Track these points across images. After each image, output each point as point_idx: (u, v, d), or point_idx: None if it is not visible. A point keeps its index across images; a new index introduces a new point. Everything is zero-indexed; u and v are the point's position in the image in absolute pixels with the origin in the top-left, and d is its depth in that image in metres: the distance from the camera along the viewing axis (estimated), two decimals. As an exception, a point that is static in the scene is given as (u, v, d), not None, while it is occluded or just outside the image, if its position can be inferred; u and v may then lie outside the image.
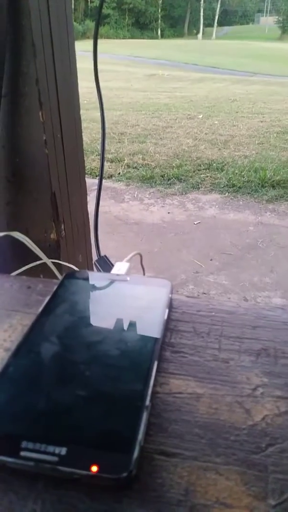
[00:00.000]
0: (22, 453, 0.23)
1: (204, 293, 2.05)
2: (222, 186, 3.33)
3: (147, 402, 0.26)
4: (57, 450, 0.23)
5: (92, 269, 0.84)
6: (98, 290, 0.38)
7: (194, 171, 3.61)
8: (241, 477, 0.23)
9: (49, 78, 0.64)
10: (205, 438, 0.25)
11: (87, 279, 0.40)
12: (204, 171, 3.62)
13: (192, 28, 52.99)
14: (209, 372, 0.30)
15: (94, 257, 0.78)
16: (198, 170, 3.63)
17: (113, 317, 0.34)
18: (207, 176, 3.51)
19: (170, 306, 0.37)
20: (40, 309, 0.34)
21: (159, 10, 49.58)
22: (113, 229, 2.60)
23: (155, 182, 3.41)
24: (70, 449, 0.23)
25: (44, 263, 0.58)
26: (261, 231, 2.65)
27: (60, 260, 0.76)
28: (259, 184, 3.31)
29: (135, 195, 3.19)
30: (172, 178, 3.47)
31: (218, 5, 52.91)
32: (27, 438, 0.23)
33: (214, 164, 3.74)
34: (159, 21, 49.85)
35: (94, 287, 0.38)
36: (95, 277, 0.40)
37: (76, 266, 0.76)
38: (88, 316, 0.34)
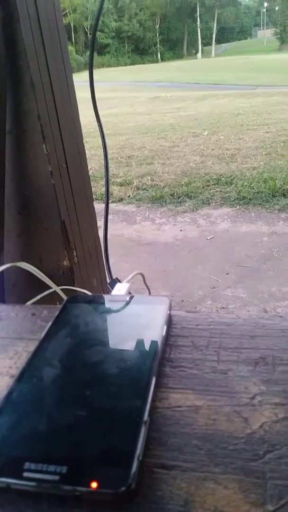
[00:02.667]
0: (25, 474, 0.24)
1: (223, 308, 2.04)
2: (233, 199, 3.33)
3: (146, 417, 0.27)
4: (58, 469, 0.24)
5: (106, 292, 0.86)
6: (98, 312, 0.39)
7: (203, 187, 3.63)
8: (239, 485, 0.23)
9: (50, 113, 0.67)
10: (203, 449, 0.26)
11: (88, 302, 0.41)
12: (213, 186, 3.64)
13: (191, 49, 54.05)
14: (207, 384, 0.31)
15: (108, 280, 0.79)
16: (207, 186, 3.65)
17: (112, 337, 0.35)
18: (216, 191, 3.52)
19: (169, 322, 0.37)
20: (42, 334, 0.36)
21: (157, 35, 50.84)
22: (127, 251, 2.62)
23: (165, 202, 3.44)
24: (71, 467, 0.24)
25: (60, 290, 0.59)
26: (275, 240, 2.63)
27: (74, 286, 0.77)
28: (270, 194, 3.31)
29: (147, 216, 3.22)
30: (181, 196, 3.50)
31: (215, 24, 53.97)
32: (29, 459, 0.24)
33: (223, 178, 3.76)
34: (158, 45, 51.06)
35: (94, 309, 0.39)
36: (96, 299, 0.41)
37: (91, 291, 0.77)
38: (88, 337, 0.35)
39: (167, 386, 0.31)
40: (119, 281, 0.77)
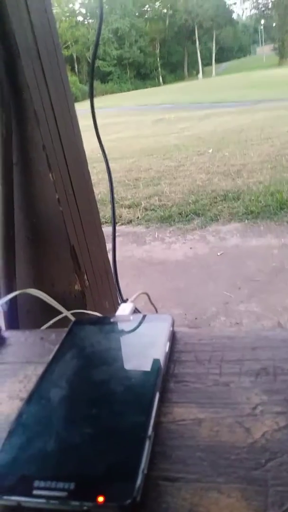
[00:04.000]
0: (35, 492, 0.25)
1: (237, 323, 2.03)
2: (241, 214, 3.34)
3: (150, 432, 0.28)
4: (66, 485, 0.25)
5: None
6: (103, 332, 0.40)
7: (210, 204, 3.65)
8: (242, 493, 0.24)
9: (55, 142, 0.70)
10: (207, 460, 0.26)
11: (93, 323, 0.42)
12: (221, 202, 3.66)
13: (191, 70, 55.08)
14: (210, 397, 0.31)
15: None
16: (215, 203, 3.67)
17: (117, 356, 0.36)
18: (224, 207, 3.54)
19: (173, 338, 0.38)
20: (50, 357, 0.37)
21: (158, 59, 52.01)
22: (139, 272, 2.64)
23: (174, 220, 3.46)
24: (78, 483, 0.25)
25: (73, 315, 0.60)
26: (286, 253, 2.62)
27: (86, 309, 0.78)
28: (277, 207, 3.31)
29: (156, 236, 3.24)
30: (190, 214, 3.52)
31: (214, 44, 55.05)
32: (39, 478, 0.25)
33: (230, 194, 3.78)
34: (159, 69, 52.16)
35: (99, 331, 0.41)
36: (101, 321, 0.42)
37: (103, 313, 0.78)
38: (93, 358, 0.36)
39: (171, 401, 0.32)
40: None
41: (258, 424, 0.28)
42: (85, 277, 0.79)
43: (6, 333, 0.46)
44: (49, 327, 0.57)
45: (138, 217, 3.66)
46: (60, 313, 0.62)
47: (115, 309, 0.91)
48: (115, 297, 0.91)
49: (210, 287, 2.36)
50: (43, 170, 0.68)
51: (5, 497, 0.25)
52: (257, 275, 2.40)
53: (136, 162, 5.73)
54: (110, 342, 0.39)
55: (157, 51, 51.95)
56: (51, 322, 0.60)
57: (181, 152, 6.00)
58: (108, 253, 0.85)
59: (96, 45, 0.74)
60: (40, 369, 0.38)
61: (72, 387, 0.33)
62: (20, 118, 0.67)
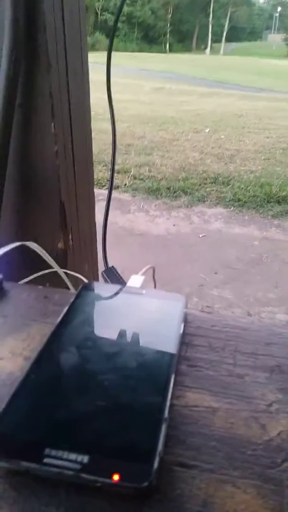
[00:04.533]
0: (46, 460, 0.23)
1: (208, 306, 2.05)
2: (228, 200, 3.35)
3: (166, 415, 0.27)
4: (79, 458, 0.23)
5: (97, 279, 0.85)
6: (115, 303, 0.39)
7: (200, 185, 3.63)
8: (257, 491, 0.24)
9: (62, 92, 0.66)
10: (222, 452, 0.26)
11: (104, 291, 0.40)
12: (210, 184, 3.65)
13: (200, 44, 53.70)
14: (224, 387, 0.31)
15: (100, 267, 0.79)
16: (204, 184, 3.66)
17: (130, 330, 0.35)
18: (213, 190, 3.53)
19: (185, 320, 0.37)
20: (59, 319, 0.35)
21: (168, 25, 50.32)
22: (118, 240, 2.62)
23: (161, 194, 3.43)
24: (92, 458, 0.24)
25: (53, 272, 0.59)
26: (265, 246, 2.66)
27: (66, 269, 0.77)
28: (265, 199, 3.33)
29: (141, 207, 3.21)
30: (178, 190, 3.49)
31: (227, 22, 53.66)
32: (50, 445, 0.24)
33: (220, 178, 3.77)
34: (168, 35, 50.56)
35: (111, 299, 0.39)
36: (112, 290, 0.41)
37: (83, 276, 0.77)
38: (105, 328, 0.35)
39: (183, 385, 0.31)
40: (115, 270, 0.77)
41: (274, 422, 0.28)
42: (70, 236, 0.77)
43: (7, 285, 0.44)
44: (31, 281, 0.56)
45: (125, 184, 3.60)
46: (42, 269, 0.60)
47: (94, 274, 0.90)
48: (95, 262, 0.89)
49: (187, 268, 2.37)
50: (45, 119, 0.65)
51: (13, 462, 0.24)
52: (235, 263, 2.42)
53: (131, 128, 5.60)
54: (123, 313, 0.37)
55: (169, 16, 50.20)
56: (36, 274, 0.58)
57: (177, 126, 5.90)
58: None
59: (120, 9, 0.70)
60: (45, 329, 0.36)
61: (84, 355, 0.32)
62: (31, 60, 0.63)
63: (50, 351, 0.32)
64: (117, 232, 2.75)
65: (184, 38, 53.56)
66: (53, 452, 0.24)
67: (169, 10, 49.94)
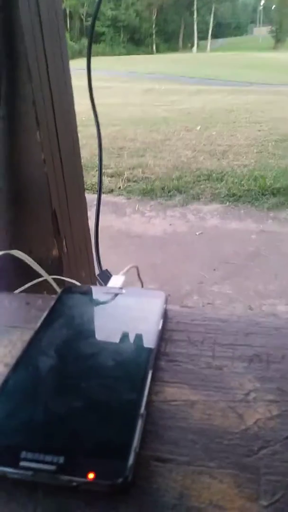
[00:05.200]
0: (22, 463, 0.24)
1: (209, 303, 2.05)
2: (223, 196, 3.35)
3: (142, 410, 0.27)
4: (55, 459, 0.24)
5: (95, 284, 0.85)
6: (94, 303, 0.39)
7: (194, 182, 3.64)
8: (234, 480, 0.24)
9: (46, 99, 0.66)
10: (199, 443, 0.26)
11: (83, 293, 0.41)
12: (204, 181, 3.65)
13: (186, 42, 53.77)
14: (203, 380, 0.31)
15: (97, 271, 0.79)
16: (198, 181, 3.66)
17: (108, 329, 0.35)
18: (207, 187, 3.53)
19: (165, 316, 0.38)
20: (38, 324, 0.35)
21: (153, 26, 50.41)
22: (116, 243, 2.62)
23: (156, 195, 3.43)
24: (68, 458, 0.24)
25: (47, 280, 0.59)
26: (263, 239, 2.66)
27: (62, 276, 0.77)
28: (259, 192, 3.33)
29: (136, 209, 3.22)
30: (172, 190, 3.50)
31: (211, 18, 53.74)
32: (26, 449, 0.24)
33: (214, 174, 3.77)
34: (153, 36, 50.65)
35: (90, 301, 0.39)
36: (92, 291, 0.41)
37: (80, 282, 0.77)
38: (84, 329, 0.35)
39: (162, 380, 0.31)
40: (109, 273, 0.77)
41: (251, 411, 0.28)
42: (64, 243, 0.77)
43: (-11, 295, 0.44)
44: (25, 291, 0.56)
45: (119, 187, 3.61)
46: (37, 277, 0.60)
47: (91, 279, 0.90)
48: (92, 266, 0.89)
49: (186, 266, 2.37)
50: (30, 127, 0.65)
51: (-11, 467, 0.24)
52: (233, 258, 2.42)
53: (122, 131, 5.61)
54: (102, 314, 0.38)
55: (154, 17, 50.28)
56: (29, 284, 0.58)
57: (168, 125, 5.91)
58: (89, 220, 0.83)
59: (96, 11, 0.70)
60: (26, 335, 0.37)
61: (62, 357, 0.32)
62: (11, 69, 0.63)
63: (28, 356, 0.32)
64: (113, 235, 2.76)
65: (170, 38, 53.65)
66: (29, 455, 0.24)
67: (154, 11, 50.06)
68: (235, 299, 2.06)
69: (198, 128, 5.70)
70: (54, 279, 0.62)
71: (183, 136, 5.30)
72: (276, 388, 0.30)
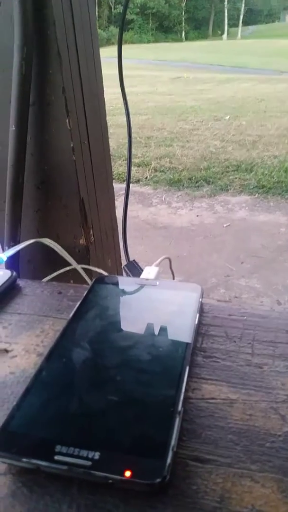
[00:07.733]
0: (56, 457, 0.23)
1: (236, 297, 2.02)
2: (252, 187, 3.28)
3: (180, 408, 0.26)
4: (90, 454, 0.23)
5: (121, 274, 0.85)
6: (128, 295, 0.38)
7: (222, 173, 3.57)
8: (277, 485, 0.23)
9: (75, 86, 0.65)
10: (239, 445, 0.25)
11: (116, 284, 0.40)
12: (233, 172, 3.58)
13: (216, 29, 52.66)
14: (242, 378, 0.30)
15: (123, 261, 0.78)
16: (227, 172, 3.59)
17: (143, 322, 0.34)
18: (235, 178, 3.46)
19: (201, 310, 0.36)
20: (71, 314, 0.35)
21: (183, 13, 49.54)
22: (142, 234, 2.61)
23: (183, 185, 3.39)
24: (103, 454, 0.23)
25: (74, 269, 0.58)
26: (292, 232, 2.59)
27: (89, 265, 0.76)
28: (290, 184, 3.25)
29: (163, 199, 3.19)
30: (200, 180, 3.45)
31: (243, 5, 52.38)
32: (61, 442, 0.24)
33: (243, 165, 3.69)
34: (183, 23, 49.80)
35: (124, 292, 0.38)
36: (125, 282, 0.40)
37: (106, 271, 0.76)
38: (118, 321, 0.34)
39: (199, 377, 0.30)
40: (136, 264, 0.76)
41: (294, 412, 0.27)
42: (91, 232, 0.76)
43: (22, 282, 0.44)
44: (53, 279, 0.55)
45: (146, 177, 3.58)
46: (64, 266, 0.59)
47: (117, 269, 0.89)
48: (118, 256, 0.89)
49: (213, 258, 2.34)
50: (60, 115, 0.64)
51: (24, 460, 0.23)
52: (262, 252, 2.37)
53: (150, 120, 5.56)
54: (136, 306, 0.37)
55: (183, 4, 49.40)
56: (57, 272, 0.57)
57: (197, 115, 5.81)
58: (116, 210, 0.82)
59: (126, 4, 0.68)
60: (58, 325, 0.36)
61: (96, 349, 0.31)
62: (42, 56, 0.62)
63: (62, 346, 0.31)
64: (140, 225, 2.74)
65: (200, 25, 52.63)
66: (64, 449, 0.23)
67: (183, -2, 49.20)
68: (263, 293, 2.02)
69: (227, 117, 5.58)
70: (83, 268, 0.62)
71: (212, 125, 5.20)
72: None
